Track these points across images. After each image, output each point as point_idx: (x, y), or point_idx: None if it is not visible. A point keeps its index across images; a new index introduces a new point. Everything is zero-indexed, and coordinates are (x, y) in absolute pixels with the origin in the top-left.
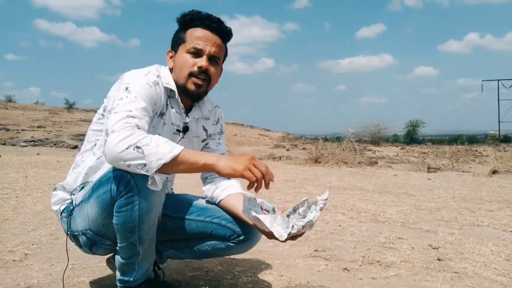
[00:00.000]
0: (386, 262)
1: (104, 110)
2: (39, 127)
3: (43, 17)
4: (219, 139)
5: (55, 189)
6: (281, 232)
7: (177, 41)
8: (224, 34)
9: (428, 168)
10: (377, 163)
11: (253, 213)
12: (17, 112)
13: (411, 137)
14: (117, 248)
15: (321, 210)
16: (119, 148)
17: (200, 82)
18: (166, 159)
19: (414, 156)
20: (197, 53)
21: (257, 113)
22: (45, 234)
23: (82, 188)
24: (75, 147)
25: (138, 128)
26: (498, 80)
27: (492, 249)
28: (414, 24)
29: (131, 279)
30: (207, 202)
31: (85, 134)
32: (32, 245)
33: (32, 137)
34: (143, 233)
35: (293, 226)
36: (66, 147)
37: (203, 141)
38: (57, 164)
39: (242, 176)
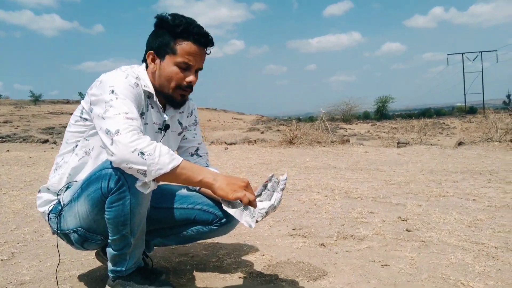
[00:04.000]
0: (359, 236)
1: (82, 113)
2: (5, 122)
3: None
4: (195, 130)
5: (39, 191)
6: (249, 221)
7: (165, 49)
8: (210, 46)
9: (398, 143)
10: (349, 141)
11: (224, 207)
12: None
13: (381, 113)
14: (109, 240)
15: (282, 190)
16: (128, 149)
17: (186, 94)
18: (166, 170)
19: (385, 132)
20: (186, 68)
21: (230, 97)
22: (29, 232)
23: (68, 188)
24: (46, 141)
25: (140, 131)
26: (462, 53)
27: (455, 217)
28: (380, 0)
29: (123, 269)
30: (188, 190)
31: (54, 127)
32: (18, 243)
33: None
34: (135, 225)
35: (258, 214)
36: (37, 141)
37: (179, 134)
38: (29, 160)
39: (233, 199)
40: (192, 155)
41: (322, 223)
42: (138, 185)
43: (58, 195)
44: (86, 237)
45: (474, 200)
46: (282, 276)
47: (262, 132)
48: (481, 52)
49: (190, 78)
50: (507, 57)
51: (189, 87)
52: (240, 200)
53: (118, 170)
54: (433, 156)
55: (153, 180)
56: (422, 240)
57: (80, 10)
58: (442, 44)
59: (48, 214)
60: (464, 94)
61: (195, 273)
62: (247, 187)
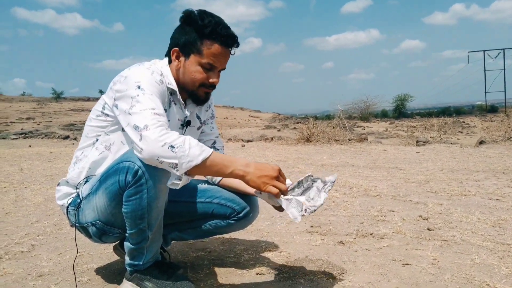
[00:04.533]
0: (379, 234)
1: (104, 108)
2: (28, 118)
3: (21, 5)
4: (212, 123)
5: (58, 184)
6: (295, 214)
7: (191, 48)
8: (235, 47)
9: (417, 141)
10: (367, 139)
11: (267, 196)
12: (4, 105)
13: (399, 112)
14: (126, 234)
15: (329, 191)
16: (157, 144)
17: (209, 92)
18: (197, 161)
19: (403, 131)
20: (210, 68)
21: (246, 95)
22: (49, 225)
23: (87, 181)
24: (67, 137)
25: (168, 127)
26: (484, 50)
27: (478, 217)
28: None
29: (141, 263)
30: (206, 183)
31: (75, 124)
32: (38, 236)
33: (22, 129)
34: (152, 219)
35: (306, 210)
36: (58, 137)
37: (198, 128)
38: (51, 155)
39: (265, 191)
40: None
41: (340, 220)
42: (169, 183)
43: (77, 188)
44: (104, 230)
45: (497, 199)
46: (300, 273)
47: (278, 130)
48: (504, 49)
49: (214, 79)
50: None
51: (212, 86)
52: (274, 187)
53: (136, 163)
54: (454, 154)
55: (185, 173)
56: (444, 240)
57: (101, 9)
58: (463, 41)
59: (67, 207)
60: (485, 92)
61: (212, 268)
62: (278, 177)
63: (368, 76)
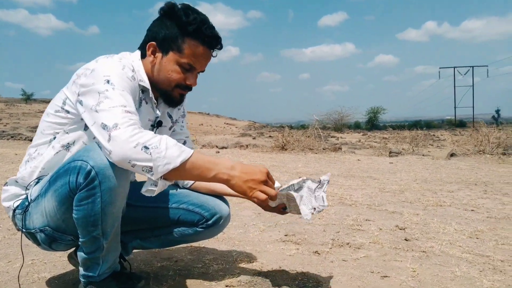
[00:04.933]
0: (355, 244)
1: (64, 103)
2: None
3: None
4: (183, 122)
5: (6, 184)
6: (306, 211)
7: (170, 45)
8: (218, 49)
9: (390, 152)
10: (341, 148)
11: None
12: None
13: (372, 124)
14: (79, 243)
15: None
16: (129, 144)
17: (185, 93)
18: (175, 164)
19: (376, 142)
20: (189, 69)
21: (223, 103)
22: (2, 229)
23: (38, 182)
24: None
25: (140, 126)
26: (454, 67)
27: (455, 227)
28: (374, 12)
29: (96, 274)
30: (174, 186)
31: None
32: None
33: None
34: (107, 227)
35: (315, 208)
36: (24, 139)
37: (170, 128)
38: (15, 157)
39: (252, 197)
40: None
41: (316, 229)
42: (143, 190)
43: (27, 189)
44: (54, 237)
45: (472, 210)
46: (273, 285)
47: (254, 138)
48: (472, 67)
49: (191, 81)
50: (498, 73)
51: (189, 88)
52: (257, 202)
53: (88, 163)
54: (426, 166)
55: (162, 178)
56: (422, 251)
57: (76, 11)
58: (434, 58)
59: (14, 210)
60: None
61: (178, 279)
62: (266, 181)
63: (343, 89)
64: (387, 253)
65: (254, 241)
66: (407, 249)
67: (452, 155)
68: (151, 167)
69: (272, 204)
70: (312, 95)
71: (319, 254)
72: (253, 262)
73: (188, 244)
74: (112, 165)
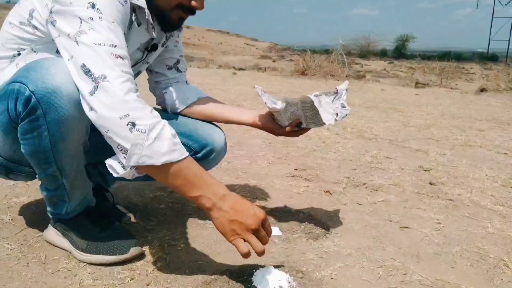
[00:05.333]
0: (373, 185)
1: (32, 17)
2: None
3: None
4: (178, 37)
5: None
6: (328, 117)
7: None
8: None
9: (416, 83)
10: (364, 76)
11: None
12: None
13: (399, 52)
14: (38, 179)
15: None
16: (115, 112)
17: (185, 18)
18: (156, 162)
19: (402, 71)
20: None
21: (244, 22)
22: None
23: None
24: None
25: (134, 78)
26: None
27: (487, 173)
28: None
29: (63, 212)
30: (160, 111)
31: None
32: None
33: None
34: (63, 164)
35: (337, 114)
36: None
37: (162, 44)
38: None
39: (232, 243)
40: (170, 68)
41: (330, 165)
42: (107, 161)
43: None
44: (9, 168)
45: (505, 154)
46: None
47: (274, 61)
48: None
49: (196, 2)
50: None
51: (192, 12)
52: (246, 242)
53: (27, 87)
54: (454, 100)
55: (134, 167)
56: (449, 199)
57: None
58: None
59: None
60: (489, 40)
61: (169, 214)
62: (257, 230)
63: (372, 13)
64: (409, 199)
65: (261, 174)
66: (431, 195)
67: (482, 90)
68: (127, 150)
69: (285, 121)
70: (339, 18)
71: (331, 194)
72: (256, 198)
73: None
74: (61, 89)
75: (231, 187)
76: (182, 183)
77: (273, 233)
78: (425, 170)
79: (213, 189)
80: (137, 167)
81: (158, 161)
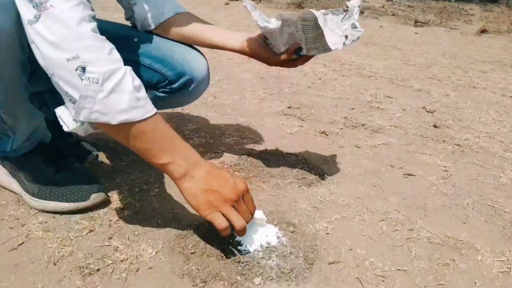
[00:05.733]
0: (373, 126)
1: None
2: None
3: None
4: None
5: None
6: (336, 40)
7: None
8: None
9: (415, 21)
10: (363, 12)
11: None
12: None
13: None
14: None
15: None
16: (62, 53)
17: None
18: (110, 120)
19: (401, 10)
20: None
21: None
22: None
23: None
24: None
25: (89, 5)
26: None
27: (494, 116)
28: None
29: (9, 149)
30: (128, 30)
31: None
32: None
33: None
34: None
35: (346, 36)
36: None
37: None
38: None
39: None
40: None
41: (326, 103)
42: (58, 111)
43: None
44: None
45: (511, 97)
46: (263, 173)
47: None
48: None
49: None
50: None
51: None
52: (224, 216)
53: None
54: (454, 40)
55: (85, 122)
56: (456, 143)
57: None
58: None
59: None
60: None
61: None
62: (237, 201)
63: None
64: (412, 142)
65: (250, 111)
66: (436, 139)
67: (483, 31)
68: (75, 101)
69: (280, 46)
70: None
71: (326, 135)
72: (244, 139)
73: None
74: None
75: (217, 125)
76: (147, 147)
77: (254, 215)
78: (428, 112)
79: (185, 154)
80: (91, 123)
81: (114, 119)
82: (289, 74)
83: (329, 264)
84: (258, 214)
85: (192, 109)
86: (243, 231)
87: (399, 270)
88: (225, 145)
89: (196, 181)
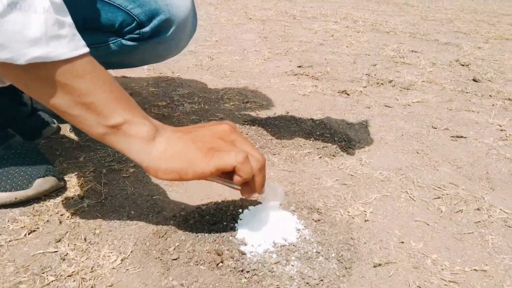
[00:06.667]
0: (402, 83)
1: None
2: None
3: None
4: None
5: None
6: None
7: None
8: None
9: None
10: None
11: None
12: None
13: None
14: None
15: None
16: None
17: None
18: (14, 58)
19: None
20: None
21: None
22: None
23: None
24: None
25: None
26: None
27: None
28: None
29: None
30: None
31: None
32: None
33: None
34: None
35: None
36: None
37: None
38: None
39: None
40: None
41: (342, 60)
42: None
43: None
44: None
45: None
46: (273, 142)
47: None
48: None
49: None
50: None
51: None
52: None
53: None
54: None
55: None
56: (506, 98)
57: None
58: None
59: None
60: None
61: None
62: (236, 133)
63: None
64: (453, 99)
65: (253, 72)
66: (481, 94)
67: None
68: None
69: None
70: None
71: (348, 95)
72: (247, 103)
73: (153, 68)
74: None
75: (214, 89)
76: (85, 100)
77: (265, 188)
78: (462, 65)
79: (143, 113)
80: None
81: (20, 55)
82: (295, 32)
83: (374, 267)
84: (273, 188)
85: (183, 71)
86: (263, 171)
87: (475, 270)
88: (224, 111)
89: (173, 137)
